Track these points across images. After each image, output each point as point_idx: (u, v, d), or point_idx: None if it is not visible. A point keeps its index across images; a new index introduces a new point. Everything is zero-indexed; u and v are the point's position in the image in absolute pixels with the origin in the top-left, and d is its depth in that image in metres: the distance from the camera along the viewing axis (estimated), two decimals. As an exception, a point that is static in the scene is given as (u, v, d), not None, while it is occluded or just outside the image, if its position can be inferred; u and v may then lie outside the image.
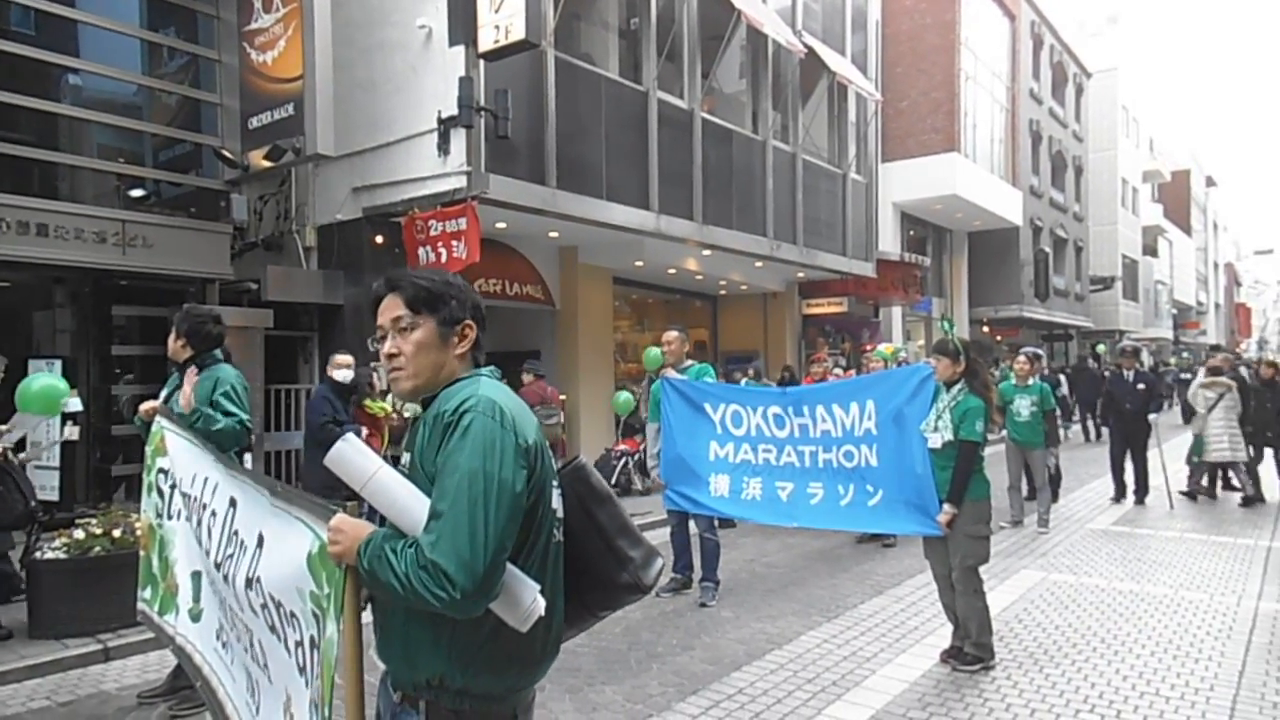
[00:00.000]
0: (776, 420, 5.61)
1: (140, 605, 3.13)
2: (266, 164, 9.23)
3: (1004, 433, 8.92)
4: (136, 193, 9.39)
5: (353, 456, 1.71)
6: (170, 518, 3.09)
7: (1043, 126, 25.29)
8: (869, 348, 14.84)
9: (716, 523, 6.24)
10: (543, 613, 1.70)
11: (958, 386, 4.67)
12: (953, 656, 4.71)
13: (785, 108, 14.21)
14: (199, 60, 9.92)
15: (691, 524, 6.27)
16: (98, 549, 5.18)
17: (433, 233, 8.84)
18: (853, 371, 9.76)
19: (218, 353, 4.22)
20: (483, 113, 8.52)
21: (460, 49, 8.60)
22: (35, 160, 8.38)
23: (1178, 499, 9.97)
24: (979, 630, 4.62)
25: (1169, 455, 10.58)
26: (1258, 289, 78.53)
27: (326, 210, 9.91)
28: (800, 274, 15.68)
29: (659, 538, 6.82)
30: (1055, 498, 9.45)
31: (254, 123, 9.49)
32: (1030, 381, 8.71)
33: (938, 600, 4.96)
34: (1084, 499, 10.51)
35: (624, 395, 11.10)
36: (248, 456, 4.28)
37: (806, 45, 13.80)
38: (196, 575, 2.80)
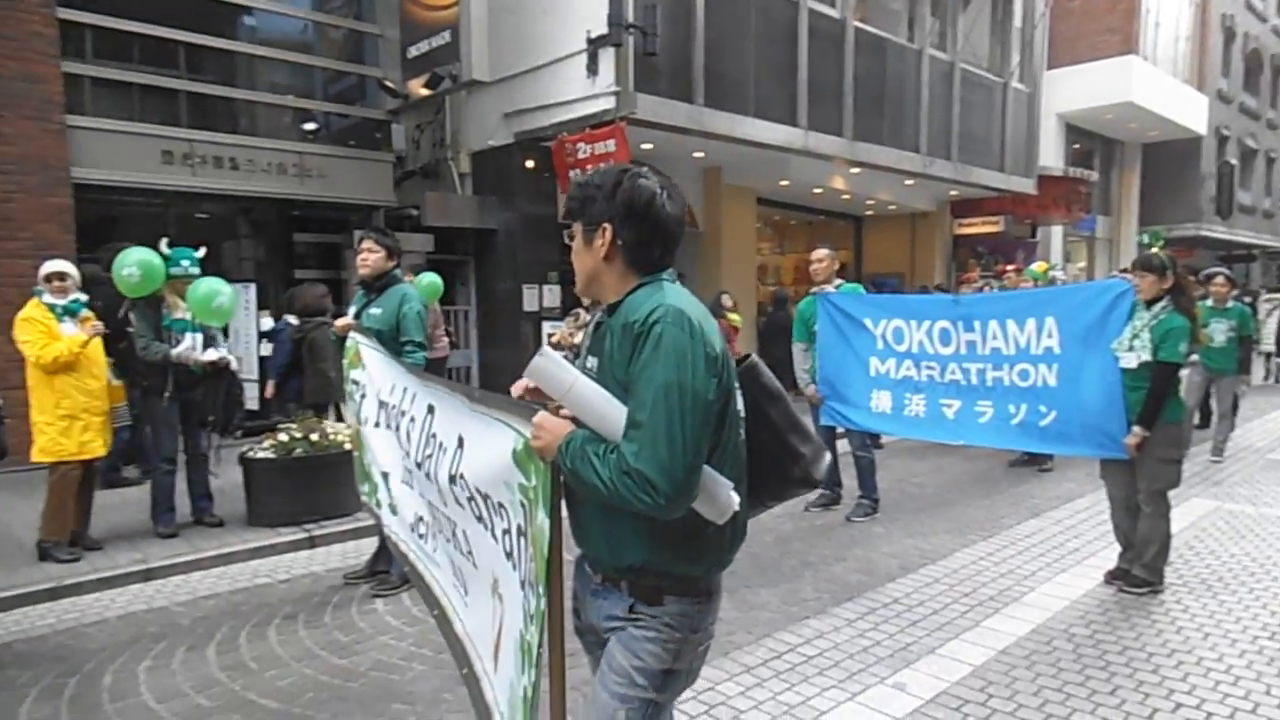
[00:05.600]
0: (942, 335, 5.45)
1: (363, 498, 3.53)
2: (426, 92, 9.60)
3: (1193, 357, 8.35)
4: (309, 126, 10.02)
5: (551, 369, 1.79)
6: (362, 423, 3.43)
7: (1237, 22, 22.64)
8: (1012, 268, 12.62)
9: (869, 440, 6.24)
10: (737, 507, 1.80)
11: (1160, 304, 4.38)
12: (1118, 578, 4.60)
13: (944, 13, 13.37)
14: (362, -8, 10.35)
15: (841, 443, 6.30)
16: (299, 450, 5.78)
17: (580, 156, 9.00)
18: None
19: (397, 272, 4.56)
20: (631, 30, 8.50)
21: (609, -35, 8.56)
22: (221, 98, 9.06)
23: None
24: (1157, 554, 4.48)
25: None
26: None
27: (479, 137, 10.24)
28: (953, 192, 14.98)
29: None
30: (1233, 427, 8.83)
31: (413, 51, 9.87)
32: (1229, 305, 8.09)
33: (1099, 524, 4.82)
34: (1264, 429, 9.78)
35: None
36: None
37: (967, -57, 12.88)
38: (385, 475, 3.10)
